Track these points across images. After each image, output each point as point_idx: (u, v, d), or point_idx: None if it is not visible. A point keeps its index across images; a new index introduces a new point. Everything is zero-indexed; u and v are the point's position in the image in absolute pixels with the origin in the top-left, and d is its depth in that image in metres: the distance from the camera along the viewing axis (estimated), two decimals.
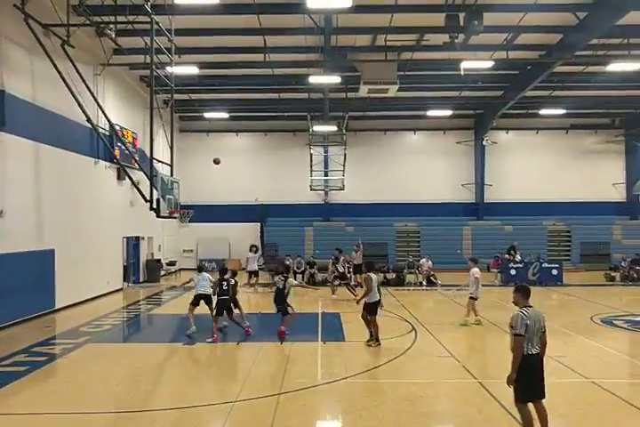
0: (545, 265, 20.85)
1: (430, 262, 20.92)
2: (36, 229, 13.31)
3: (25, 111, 12.93)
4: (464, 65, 17.61)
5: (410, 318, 12.89)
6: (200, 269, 12.16)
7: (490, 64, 17.84)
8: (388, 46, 17.21)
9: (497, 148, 27.68)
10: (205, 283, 11.47)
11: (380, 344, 10.08)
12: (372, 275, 10.36)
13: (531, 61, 19.54)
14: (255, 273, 18.77)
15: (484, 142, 27.06)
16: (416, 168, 27.88)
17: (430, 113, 25.58)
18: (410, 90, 22.36)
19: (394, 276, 21.01)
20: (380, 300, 10.32)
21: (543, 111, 25.17)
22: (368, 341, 10.23)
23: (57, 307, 14.03)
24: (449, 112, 25.44)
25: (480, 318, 12.10)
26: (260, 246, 23.23)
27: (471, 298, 12.12)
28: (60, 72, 13.79)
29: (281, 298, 10.81)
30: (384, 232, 26.37)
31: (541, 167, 27.72)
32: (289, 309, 10.86)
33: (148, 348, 10.45)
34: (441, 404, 7.19)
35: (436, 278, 20.49)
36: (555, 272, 20.56)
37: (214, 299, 11.05)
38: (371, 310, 10.19)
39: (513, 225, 26.77)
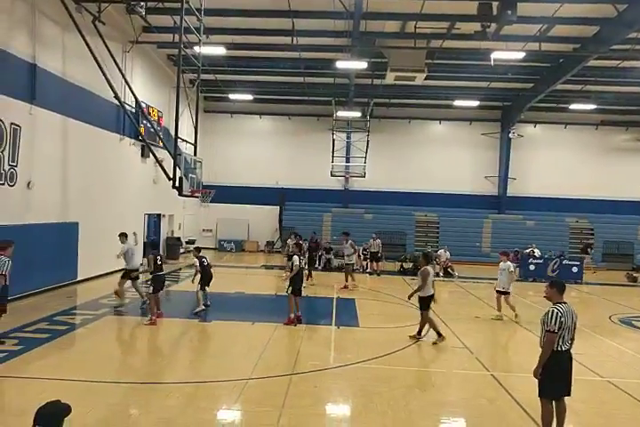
0: (565, 262, 20.57)
1: (448, 253, 20.80)
2: (61, 201, 13.58)
3: (55, 86, 13.09)
4: (494, 55, 17.21)
5: None
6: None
7: (521, 55, 17.39)
8: (417, 33, 16.90)
9: (523, 141, 27.21)
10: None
11: (443, 339, 9.68)
12: (430, 268, 10.00)
13: (564, 54, 19.02)
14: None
15: (511, 135, 26.60)
16: (439, 158, 27.59)
17: (457, 103, 25.19)
18: (437, 79, 22.05)
19: (411, 265, 20.97)
20: (433, 294, 9.83)
21: (573, 106, 24.55)
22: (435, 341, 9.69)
23: (79, 278, 14.38)
24: (476, 103, 25.02)
25: (501, 315, 12.00)
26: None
27: (498, 292, 12.00)
28: (90, 48, 13.90)
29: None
30: (403, 221, 26.27)
31: (567, 163, 27.17)
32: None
33: (165, 323, 10.64)
34: (452, 394, 7.21)
35: (453, 270, 20.39)
36: (575, 270, 20.28)
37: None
38: (424, 304, 9.81)
39: (535, 220, 26.42)
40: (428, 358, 8.83)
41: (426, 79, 19.74)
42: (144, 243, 19.66)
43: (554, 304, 5.42)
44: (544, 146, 27.47)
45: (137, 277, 11.52)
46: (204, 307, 11.50)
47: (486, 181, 27.89)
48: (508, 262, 12.12)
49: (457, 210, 27.03)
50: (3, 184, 11.19)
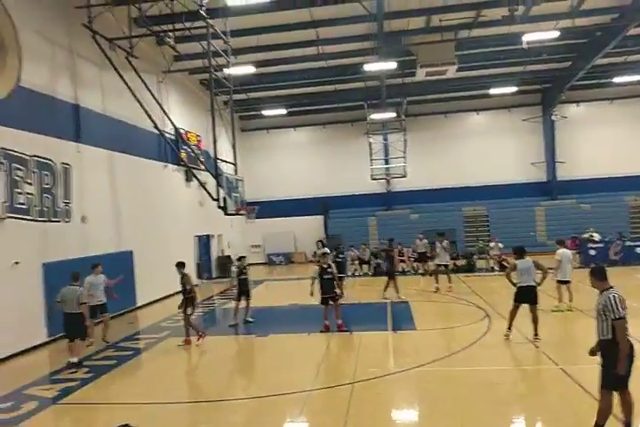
0: (628, 243, 19.52)
1: (501, 245, 20.18)
2: (114, 232, 14.18)
3: (98, 122, 13.75)
4: (526, 38, 16.68)
5: (482, 305, 12.53)
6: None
7: (555, 34, 16.74)
8: (443, 26, 16.69)
9: (567, 122, 26.20)
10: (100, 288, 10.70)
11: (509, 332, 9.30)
12: (516, 261, 9.41)
13: (601, 26, 18.17)
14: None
15: (553, 117, 25.69)
16: (481, 149, 26.93)
17: (493, 91, 24.62)
18: (470, 69, 21.64)
19: (464, 262, 20.51)
20: (530, 286, 9.16)
21: (617, 79, 23.43)
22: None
23: (138, 305, 14.92)
24: (513, 89, 24.35)
25: (560, 306, 11.51)
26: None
27: (558, 282, 11.56)
28: (126, 83, 14.53)
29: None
30: (451, 218, 25.74)
31: (617, 139, 25.81)
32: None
33: (224, 340, 10.90)
34: (520, 391, 6.97)
35: (508, 263, 19.70)
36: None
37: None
38: (515, 296, 9.33)
39: (590, 203, 25.23)
40: (490, 356, 8.55)
41: (458, 71, 19.39)
42: (197, 264, 20.20)
43: (604, 291, 5.13)
44: (590, 125, 26.29)
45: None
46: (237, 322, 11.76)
47: (533, 167, 26.95)
48: (564, 250, 11.66)
49: (506, 200, 26.22)
50: (59, 221, 11.81)
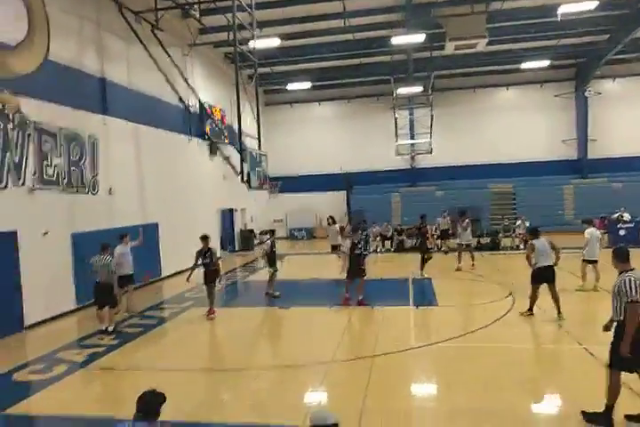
0: None
1: (527, 224, 19.82)
2: (140, 204, 14.40)
3: (123, 96, 13.79)
4: (562, 10, 15.97)
5: (507, 284, 12.40)
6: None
7: (592, 5, 15.96)
8: None
9: (601, 98, 25.25)
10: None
11: (531, 314, 9.25)
12: (535, 241, 9.27)
13: None
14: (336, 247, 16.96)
15: (587, 93, 24.79)
16: (510, 126, 26.26)
17: (525, 66, 23.77)
18: (501, 42, 20.95)
19: (488, 240, 20.27)
20: (549, 266, 9.10)
21: None
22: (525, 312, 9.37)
23: (163, 275, 15.24)
24: (546, 63, 23.45)
25: (584, 285, 11.31)
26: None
27: (584, 261, 11.36)
28: (152, 56, 14.51)
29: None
30: (476, 195, 25.28)
31: None
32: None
33: (246, 311, 11.09)
34: (543, 369, 6.93)
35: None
36: None
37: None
38: (532, 278, 9.27)
39: (622, 182, 24.47)
40: (513, 334, 8.49)
41: (488, 45, 18.75)
42: (220, 237, 20.45)
43: (622, 273, 5.04)
44: (626, 101, 25.29)
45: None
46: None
47: (564, 145, 26.22)
48: (592, 229, 11.42)
49: (534, 178, 25.63)
50: (87, 193, 12.03)
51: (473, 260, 15.17)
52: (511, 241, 20.11)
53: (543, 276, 9.08)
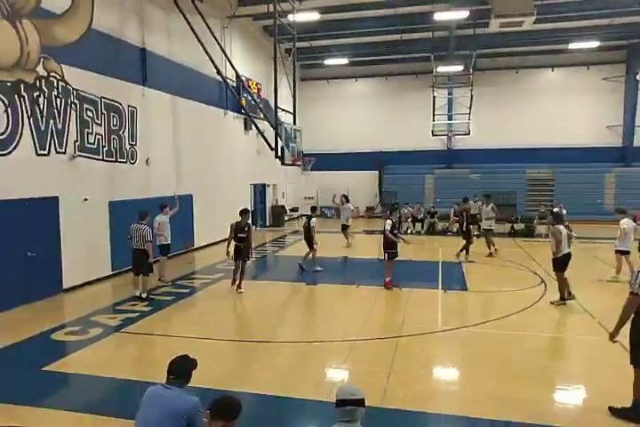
0: None
1: (564, 211, 19.27)
2: (176, 175, 14.61)
3: (163, 67, 13.87)
4: None
5: (540, 271, 12.18)
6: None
7: None
8: None
9: None
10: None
11: (564, 303, 9.14)
12: (560, 227, 9.37)
13: None
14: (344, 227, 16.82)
15: (638, 77, 23.55)
16: (552, 109, 25.31)
17: (572, 46, 22.78)
18: (549, 21, 19.99)
19: (522, 226, 19.85)
20: (569, 253, 9.30)
21: None
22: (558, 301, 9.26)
23: (196, 246, 15.55)
24: (595, 44, 22.40)
25: (618, 276, 11.00)
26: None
27: (617, 252, 11.07)
28: (192, 27, 14.46)
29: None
30: (513, 180, 24.68)
31: None
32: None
33: (275, 286, 11.26)
34: (573, 360, 6.83)
35: (571, 230, 18.85)
36: None
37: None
38: (556, 265, 9.29)
39: None
40: (544, 323, 8.36)
41: (535, 23, 17.94)
42: (251, 211, 20.62)
43: None
44: None
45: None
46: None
47: (609, 131, 25.16)
48: (628, 219, 11.06)
49: (574, 165, 24.76)
50: (125, 162, 12.27)
51: (489, 247, 14.77)
52: (547, 228, 19.61)
53: (565, 262, 9.22)
